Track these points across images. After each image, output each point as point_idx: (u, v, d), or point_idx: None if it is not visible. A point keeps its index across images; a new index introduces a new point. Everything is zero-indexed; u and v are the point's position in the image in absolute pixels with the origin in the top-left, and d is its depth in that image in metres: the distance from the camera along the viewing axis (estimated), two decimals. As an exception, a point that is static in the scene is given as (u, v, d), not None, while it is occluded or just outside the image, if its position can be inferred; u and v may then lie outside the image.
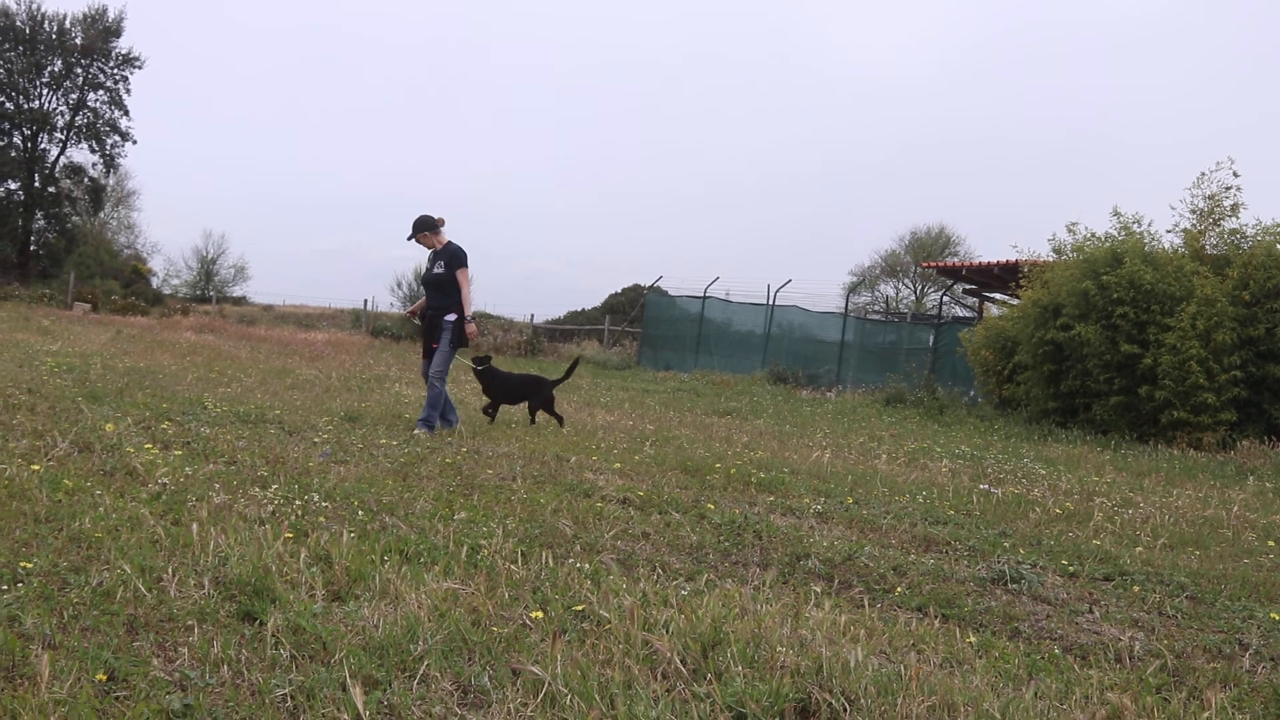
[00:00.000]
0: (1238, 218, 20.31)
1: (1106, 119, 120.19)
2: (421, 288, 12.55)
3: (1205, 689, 4.34)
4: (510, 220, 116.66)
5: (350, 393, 15.57)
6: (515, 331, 39.35)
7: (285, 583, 4.66)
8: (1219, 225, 20.48)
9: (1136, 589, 6.49)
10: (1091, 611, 5.88)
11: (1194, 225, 20.67)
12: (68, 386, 11.89)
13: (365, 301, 49.51)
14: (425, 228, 12.08)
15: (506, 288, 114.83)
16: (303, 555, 5.08)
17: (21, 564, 4.54)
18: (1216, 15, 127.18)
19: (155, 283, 71.47)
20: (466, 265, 11.97)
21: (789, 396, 24.77)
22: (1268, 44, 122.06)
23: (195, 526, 5.36)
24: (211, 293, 73.34)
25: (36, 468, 6.67)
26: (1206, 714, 3.92)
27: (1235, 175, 20.29)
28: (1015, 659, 4.67)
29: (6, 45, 55.15)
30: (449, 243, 12.15)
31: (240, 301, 72.79)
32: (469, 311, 11.98)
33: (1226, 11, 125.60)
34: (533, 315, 46.28)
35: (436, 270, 11.99)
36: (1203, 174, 20.55)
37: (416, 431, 11.15)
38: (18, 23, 55.26)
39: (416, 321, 12.60)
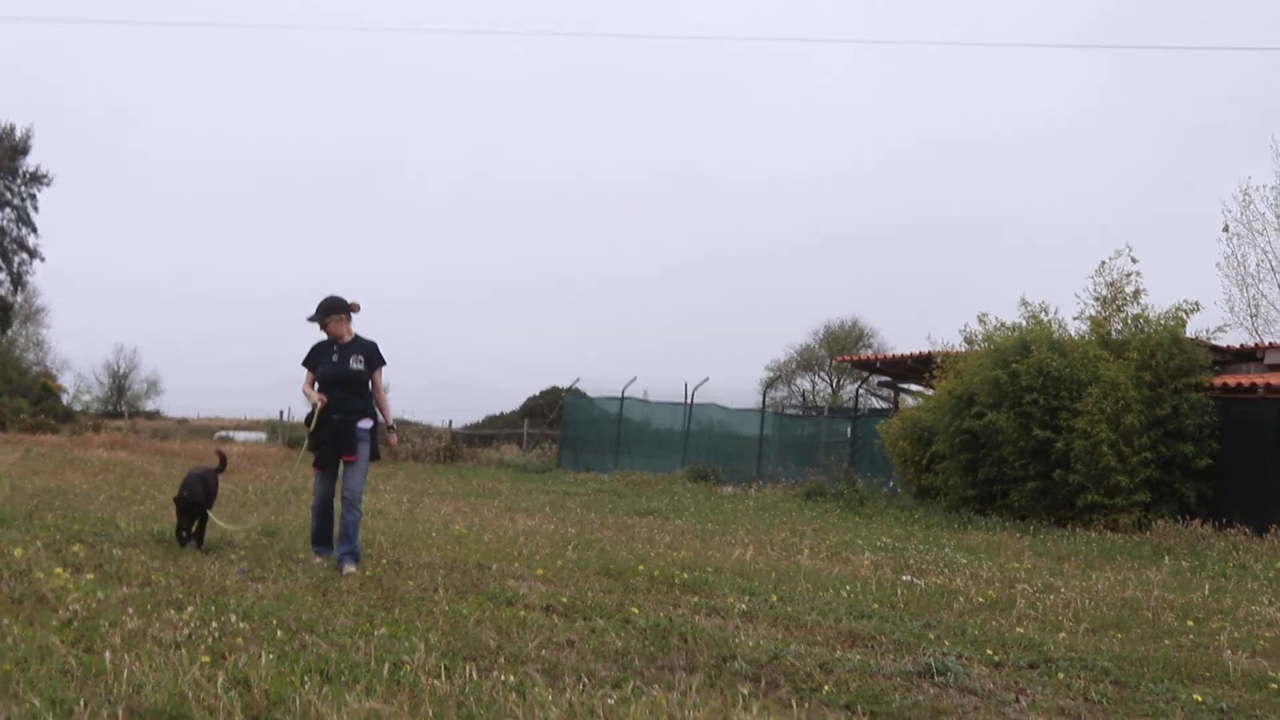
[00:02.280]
0: (1139, 303, 20.82)
1: (1013, 215, 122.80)
2: (321, 386, 10.12)
3: (1133, 777, 4.35)
4: (425, 323, 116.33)
5: (267, 506, 15.35)
6: (434, 437, 39.06)
7: (203, 709, 4.56)
8: (1122, 311, 20.96)
9: (1061, 676, 6.53)
10: (1018, 701, 5.91)
11: (1098, 312, 21.12)
12: (-26, 511, 11.62)
13: (281, 412, 48.90)
14: (336, 310, 10.08)
15: (422, 393, 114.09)
16: (220, 679, 4.97)
17: (-74, 702, 4.40)
18: (1113, 125, 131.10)
19: (65, 399, 70.32)
20: (384, 364, 10.31)
21: (710, 494, 24.78)
22: (1160, 151, 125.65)
23: (109, 654, 5.24)
24: (124, 408, 72.28)
25: (-58, 598, 6.50)
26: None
27: (1134, 261, 20.92)
28: (944, 755, 4.66)
29: (-88, 164, 54.64)
30: (359, 336, 10.28)
31: (154, 416, 71.75)
32: (389, 418, 10.46)
33: (1123, 123, 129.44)
34: (451, 421, 46.03)
35: (354, 366, 10.00)
36: (1103, 262, 21.14)
37: (348, 569, 9.28)
38: (-77, 142, 54.83)
39: (312, 414, 10.03)
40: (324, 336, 10.18)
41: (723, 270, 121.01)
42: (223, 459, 11.55)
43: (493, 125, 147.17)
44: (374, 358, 10.20)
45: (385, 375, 10.48)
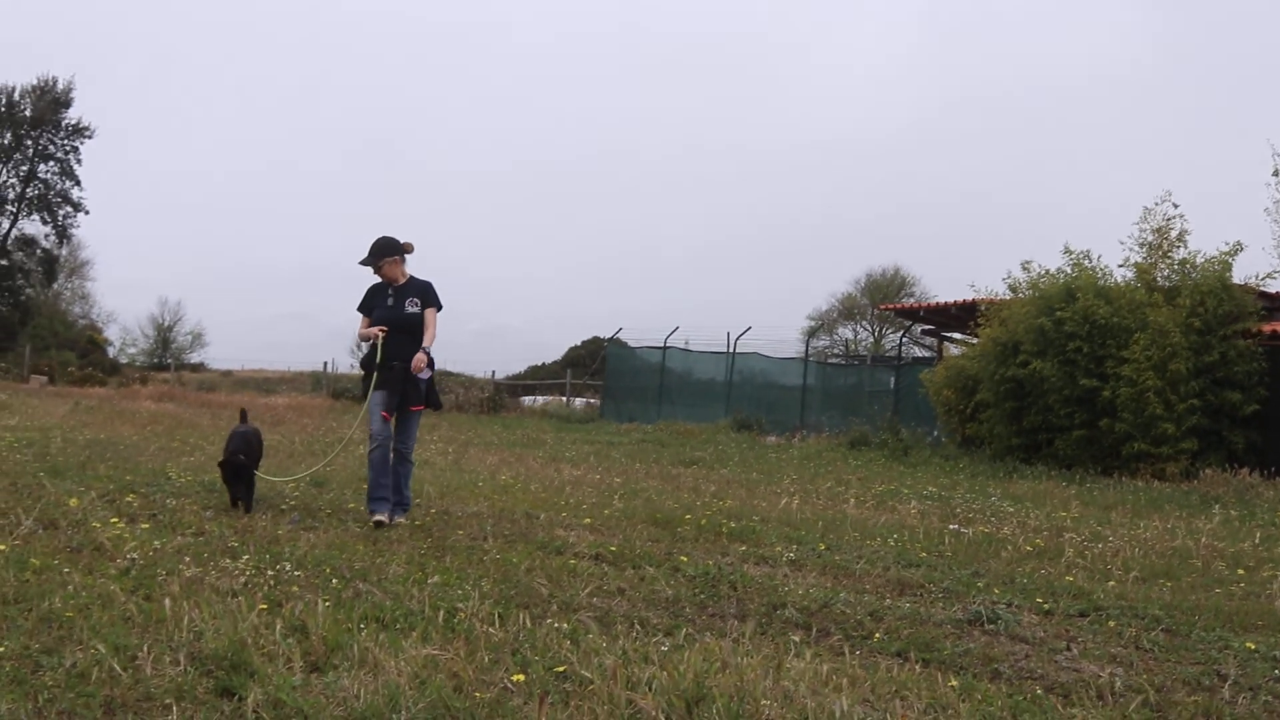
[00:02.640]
0: (1186, 246, 20.55)
1: (1058, 162, 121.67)
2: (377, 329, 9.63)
3: (1188, 724, 4.34)
4: (468, 275, 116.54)
5: (315, 456, 15.46)
6: (477, 388, 39.23)
7: (262, 655, 4.61)
8: (1168, 256, 20.70)
9: (1112, 624, 6.51)
10: (1070, 649, 5.89)
11: (1144, 258, 20.88)
12: (28, 461, 11.77)
13: (325, 364, 49.16)
14: (390, 252, 9.66)
15: (466, 344, 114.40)
16: (278, 626, 5.03)
17: (-7, 648, 4.47)
18: (1165, 71, 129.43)
19: (112, 352, 71.04)
20: (440, 306, 9.81)
21: (753, 443, 24.78)
22: (1213, 97, 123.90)
23: (168, 601, 5.30)
24: (169, 360, 72.81)
25: (2, 547, 6.59)
26: (1192, 749, 3.92)
27: (1175, 206, 20.58)
28: (998, 701, 4.67)
29: (-45, 119, 54.96)
30: (414, 277, 9.86)
31: (198, 368, 72.25)
32: (427, 341, 9.70)
33: (1175, 69, 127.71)
34: (494, 372, 46.20)
35: (410, 309, 9.57)
36: (1147, 208, 20.83)
37: (398, 519, 9.20)
38: (-34, 96, 55.10)
39: (362, 349, 9.97)
40: (377, 280, 9.80)
41: (765, 220, 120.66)
42: (243, 415, 10.83)
43: (531, 81, 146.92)
44: (428, 299, 9.68)
45: (439, 318, 9.77)
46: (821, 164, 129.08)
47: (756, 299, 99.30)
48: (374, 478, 9.30)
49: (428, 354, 9.47)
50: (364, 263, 9.72)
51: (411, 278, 9.81)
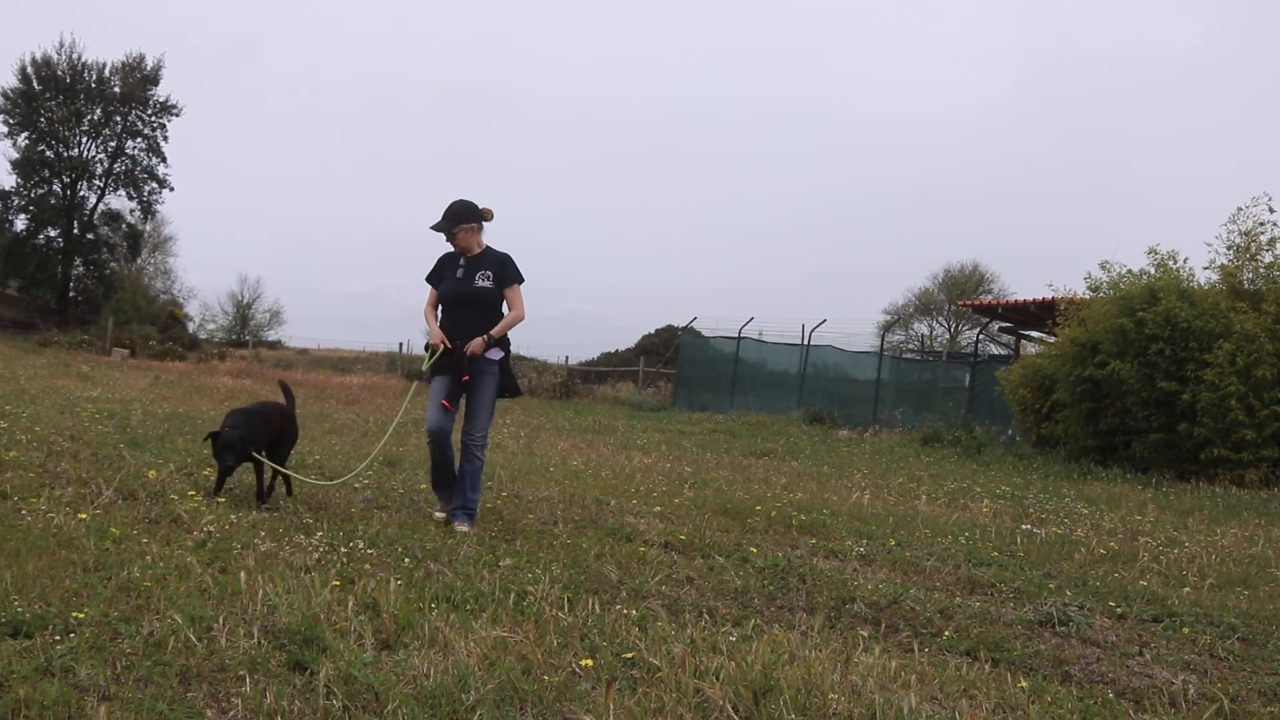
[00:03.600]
0: (1275, 251, 20.18)
1: (1141, 153, 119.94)
2: (443, 305, 8.75)
3: (1263, 734, 4.28)
4: (542, 258, 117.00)
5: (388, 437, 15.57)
6: (550, 374, 39.39)
7: (334, 631, 4.67)
8: (1255, 260, 20.34)
9: (1186, 631, 6.42)
10: (1142, 654, 5.82)
11: (1230, 261, 20.54)
12: (109, 433, 11.97)
13: (400, 344, 49.59)
14: (466, 218, 8.62)
15: (538, 328, 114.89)
16: (350, 603, 5.08)
17: (73, 614, 4.55)
18: (1248, 50, 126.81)
19: (191, 327, 72.05)
20: (521, 280, 8.76)
21: (825, 437, 24.70)
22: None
23: (243, 575, 5.37)
24: (247, 337, 73.70)
25: (83, 516, 6.71)
26: (1266, 760, 3.87)
27: (1271, 210, 20.18)
28: (1069, 704, 4.63)
29: (47, 94, 55.79)
30: (490, 248, 8.82)
31: (275, 345, 73.10)
32: (499, 332, 8.59)
33: (1258, 46, 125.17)
34: (567, 357, 46.31)
35: (482, 283, 8.55)
36: (1239, 209, 20.47)
37: (461, 528, 8.09)
38: (58, 72, 55.91)
39: (429, 352, 8.66)
40: (449, 249, 8.81)
41: (841, 211, 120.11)
42: (286, 390, 9.81)
43: (605, 64, 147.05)
44: (506, 273, 8.63)
45: (522, 296, 8.73)
46: (909, 142, 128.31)
47: (831, 290, 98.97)
48: (433, 467, 8.72)
49: (491, 338, 8.43)
50: (436, 228, 8.68)
51: (488, 248, 8.78)
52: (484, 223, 8.76)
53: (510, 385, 8.78)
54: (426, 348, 8.76)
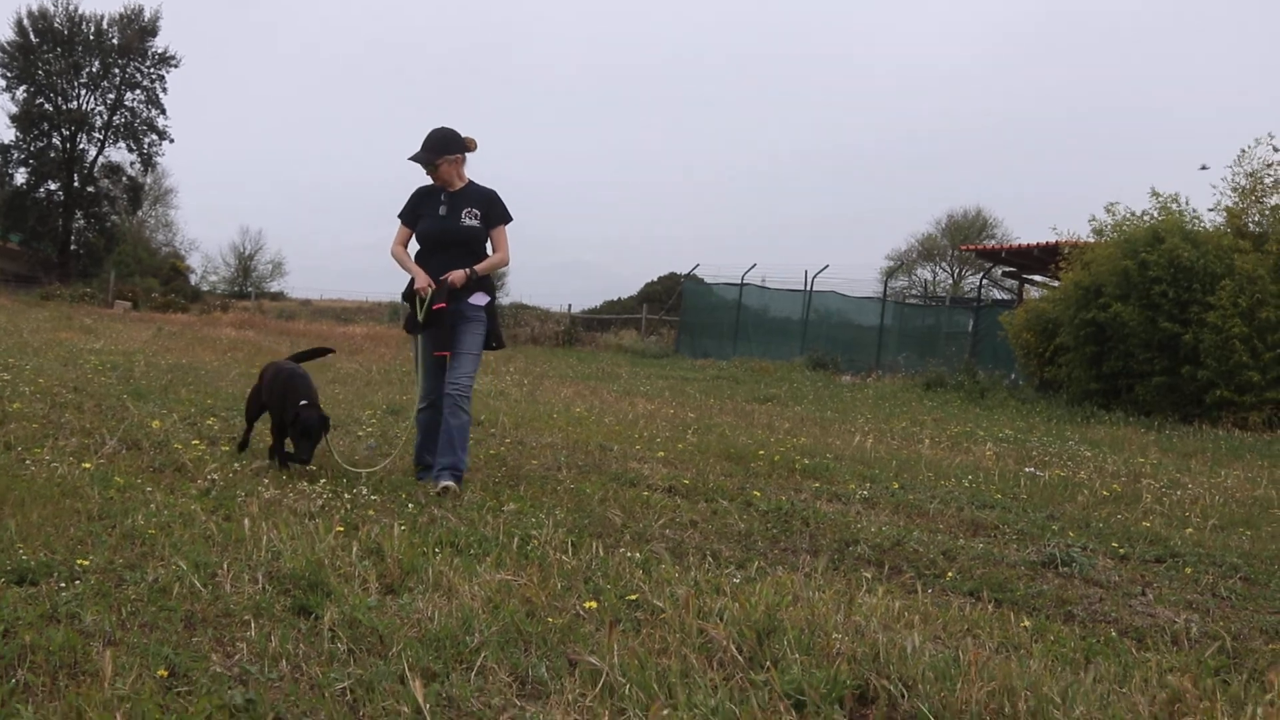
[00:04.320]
0: (1280, 193, 20.12)
1: (1143, 96, 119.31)
2: (422, 246, 7.97)
3: (1266, 671, 4.29)
4: (545, 206, 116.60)
5: (391, 386, 15.59)
6: (553, 322, 39.37)
7: (339, 576, 4.68)
8: (1261, 202, 20.27)
9: (1189, 571, 6.44)
10: (1145, 594, 5.84)
11: (1235, 203, 20.45)
12: (112, 384, 11.97)
13: (404, 305, 49.43)
14: (453, 149, 7.82)
15: (541, 276, 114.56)
16: (354, 549, 5.10)
17: (78, 561, 4.57)
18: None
19: (193, 280, 72.04)
20: (510, 219, 8.02)
21: (828, 382, 24.70)
22: None
23: (247, 522, 5.39)
24: (249, 289, 73.67)
25: (87, 465, 6.72)
26: (1269, 695, 3.87)
27: (1275, 150, 20.09)
28: (1071, 643, 4.65)
29: (45, 47, 55.61)
30: (474, 182, 8.00)
31: (278, 297, 73.01)
32: (483, 269, 7.87)
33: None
34: (570, 305, 46.24)
35: (468, 221, 7.78)
36: (1243, 150, 20.40)
37: (446, 484, 7.30)
38: (56, 24, 55.71)
39: (420, 300, 7.75)
40: (428, 182, 7.99)
41: (845, 157, 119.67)
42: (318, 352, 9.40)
43: (609, 11, 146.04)
44: (494, 211, 7.89)
45: (508, 236, 8.04)
46: (915, 88, 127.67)
47: (836, 237, 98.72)
48: (420, 444, 8.04)
49: (474, 273, 7.71)
50: (416, 159, 7.83)
51: (471, 183, 7.96)
52: (467, 153, 7.95)
53: (495, 333, 7.99)
54: (407, 297, 7.93)
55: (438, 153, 7.77)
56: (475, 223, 7.81)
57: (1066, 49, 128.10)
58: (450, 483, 7.32)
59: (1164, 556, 6.83)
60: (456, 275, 7.61)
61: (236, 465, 7.37)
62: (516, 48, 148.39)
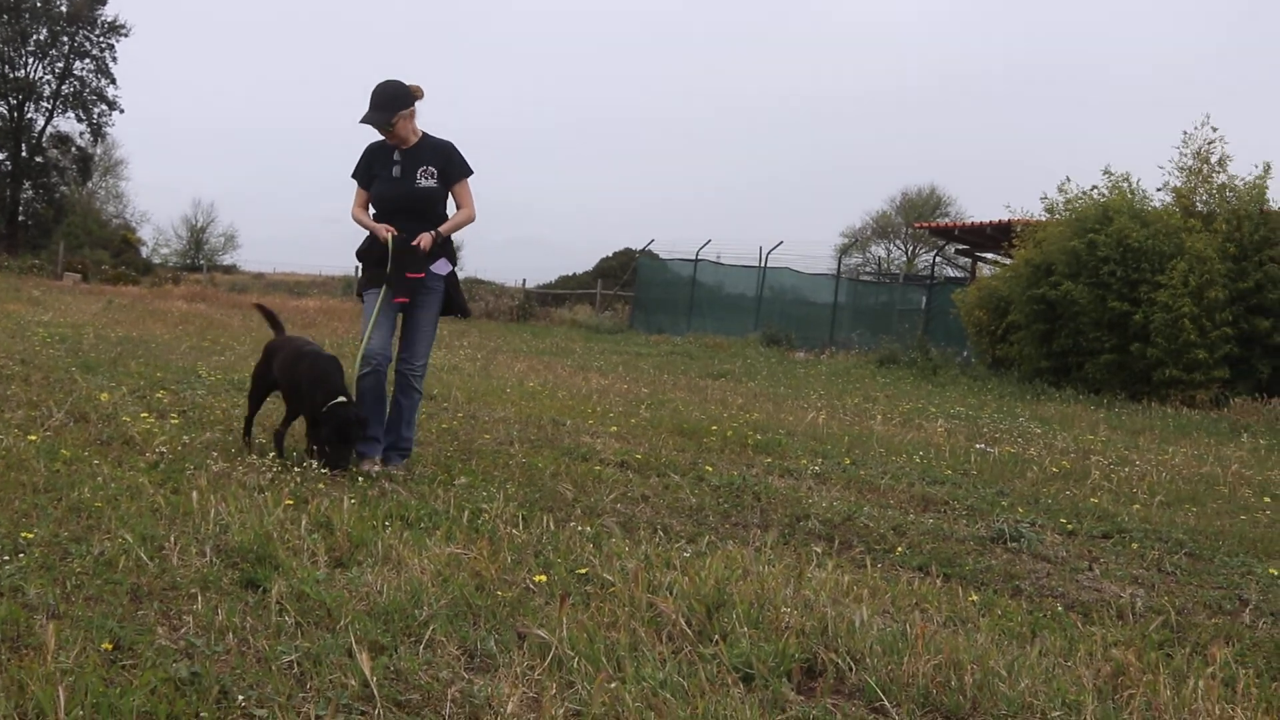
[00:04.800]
0: (1226, 171, 20.38)
1: (1100, 72, 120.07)
2: (378, 211, 7.30)
3: (1208, 644, 4.35)
4: (502, 178, 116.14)
5: (344, 360, 15.46)
6: (507, 296, 39.26)
7: (287, 550, 4.65)
8: (1208, 181, 20.50)
9: (1135, 546, 6.51)
10: (1092, 569, 5.90)
11: (1184, 182, 20.67)
12: (61, 357, 11.83)
13: (355, 268, 49.08)
14: (405, 103, 7.13)
15: (495, 251, 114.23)
16: (304, 522, 5.07)
17: (22, 534, 4.52)
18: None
19: (145, 252, 71.35)
20: (470, 173, 7.37)
21: (782, 359, 24.76)
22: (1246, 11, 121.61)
23: (195, 495, 5.34)
24: (201, 262, 72.99)
25: (33, 438, 6.64)
26: (1210, 669, 3.93)
27: (1214, 130, 20.35)
28: (1018, 617, 4.69)
29: (-8, 13, 54.81)
30: (428, 135, 7.36)
31: (230, 270, 72.45)
32: (446, 230, 7.31)
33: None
34: (525, 280, 46.05)
35: (425, 182, 7.17)
36: (1187, 133, 20.65)
37: (390, 469, 6.96)
38: (2, -10, 54.90)
39: (361, 260, 7.40)
40: (378, 138, 7.31)
41: (800, 125, 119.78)
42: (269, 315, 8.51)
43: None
44: (452, 167, 7.27)
45: (471, 190, 7.40)
46: (862, 51, 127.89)
47: (790, 214, 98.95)
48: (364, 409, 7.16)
49: (440, 234, 7.19)
50: (369, 121, 7.11)
51: (425, 136, 7.33)
52: (414, 103, 7.23)
53: (459, 303, 7.51)
54: (362, 255, 7.36)
55: (391, 110, 7.07)
56: (432, 182, 7.19)
57: (1027, 13, 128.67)
58: (397, 467, 7.01)
59: (1111, 532, 6.90)
60: (425, 240, 7.06)
61: (185, 438, 7.29)
62: (468, 9, 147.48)
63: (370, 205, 7.35)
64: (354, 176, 7.39)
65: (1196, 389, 18.29)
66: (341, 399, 6.87)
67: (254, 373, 7.89)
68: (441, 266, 7.27)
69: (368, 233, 7.29)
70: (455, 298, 7.44)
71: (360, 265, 7.42)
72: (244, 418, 7.76)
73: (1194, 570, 6.07)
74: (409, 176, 7.17)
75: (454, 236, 7.48)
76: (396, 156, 7.20)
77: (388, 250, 7.07)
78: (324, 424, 6.84)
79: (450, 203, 7.41)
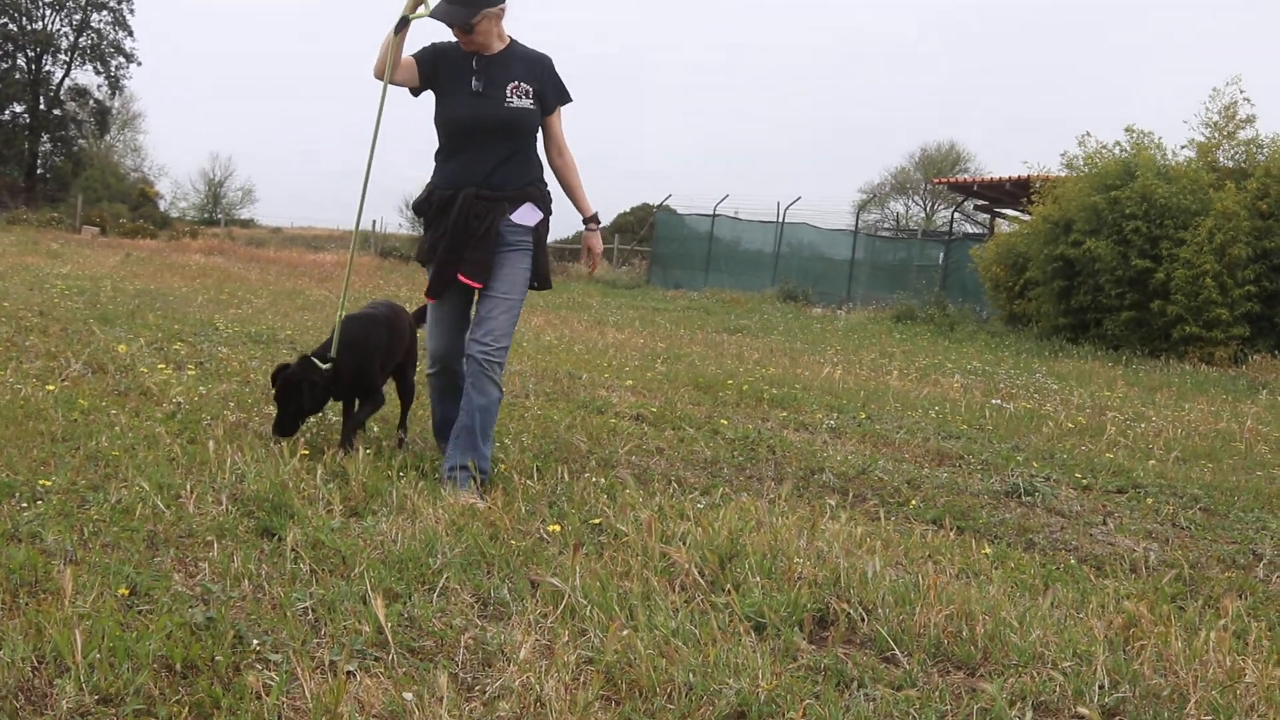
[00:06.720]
0: (1254, 127, 20.22)
1: (1123, 29, 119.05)
2: (449, 136, 5.48)
3: (1221, 598, 4.35)
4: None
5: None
6: (524, 251, 39.15)
7: (303, 499, 4.68)
8: (1233, 138, 20.34)
9: (1150, 501, 6.50)
10: (1106, 523, 5.90)
11: (1208, 138, 20.52)
12: (79, 309, 11.87)
13: (374, 222, 49.05)
14: (496, 1, 5.18)
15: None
16: (319, 472, 5.08)
17: (40, 482, 4.55)
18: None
19: (163, 205, 71.23)
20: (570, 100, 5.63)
21: (799, 314, 24.74)
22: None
23: (211, 444, 5.35)
24: (219, 215, 72.98)
25: (51, 388, 6.67)
26: (1222, 621, 3.93)
27: (1242, 92, 20.21)
28: (1031, 569, 4.70)
29: (8, -34, 54.69)
30: (516, 42, 5.49)
31: (248, 224, 72.40)
32: (585, 202, 5.79)
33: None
34: (542, 235, 45.82)
35: (516, 101, 5.35)
36: (1215, 90, 20.46)
37: (466, 499, 4.93)
38: (19, -57, 54.76)
39: (419, 214, 5.70)
40: (451, 40, 5.42)
41: (820, 78, 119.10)
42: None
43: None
44: (551, 86, 5.52)
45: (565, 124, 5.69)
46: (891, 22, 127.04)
47: (809, 169, 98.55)
48: (438, 416, 5.90)
49: (543, 198, 5.62)
50: (441, 17, 5.21)
51: (513, 43, 5.48)
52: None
53: (543, 271, 5.66)
54: (418, 209, 5.67)
55: (476, 6, 5.16)
56: (527, 101, 5.40)
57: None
58: (472, 497, 5.01)
59: (1126, 487, 6.90)
60: (596, 242, 5.78)
61: (202, 389, 7.31)
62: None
63: (438, 131, 5.55)
64: (416, 56, 5.42)
65: (1215, 346, 18.21)
66: (310, 357, 5.77)
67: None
68: (528, 215, 5.51)
69: (429, 181, 5.59)
70: (540, 260, 5.60)
71: (420, 220, 5.80)
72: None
73: (1208, 525, 6.07)
74: (496, 93, 5.34)
75: (562, 136, 5.71)
76: (475, 65, 5.36)
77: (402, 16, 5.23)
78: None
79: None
